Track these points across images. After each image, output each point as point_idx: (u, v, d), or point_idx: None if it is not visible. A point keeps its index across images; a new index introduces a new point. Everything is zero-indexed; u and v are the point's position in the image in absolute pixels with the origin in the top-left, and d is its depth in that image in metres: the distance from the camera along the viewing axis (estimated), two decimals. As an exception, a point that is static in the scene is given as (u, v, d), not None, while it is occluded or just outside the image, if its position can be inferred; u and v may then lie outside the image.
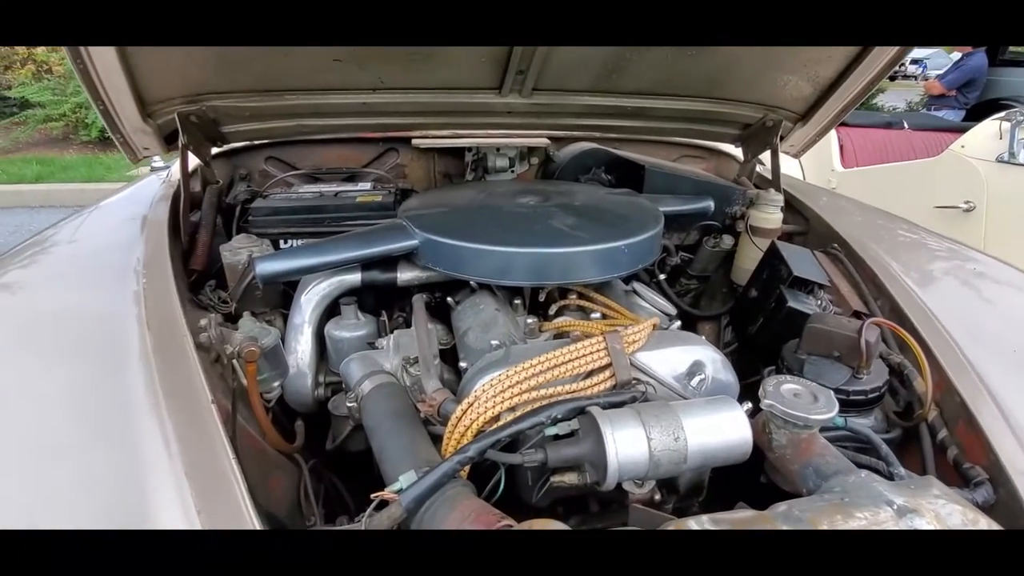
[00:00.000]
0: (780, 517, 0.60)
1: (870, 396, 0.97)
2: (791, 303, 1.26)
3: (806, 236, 1.77)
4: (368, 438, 0.89)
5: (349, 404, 0.96)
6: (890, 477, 0.77)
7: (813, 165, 4.09)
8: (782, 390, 0.78)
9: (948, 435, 0.91)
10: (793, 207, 1.83)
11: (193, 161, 1.58)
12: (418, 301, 1.21)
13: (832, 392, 0.79)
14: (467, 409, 0.77)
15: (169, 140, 1.55)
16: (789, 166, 4.07)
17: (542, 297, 1.36)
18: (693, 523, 0.59)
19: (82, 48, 1.14)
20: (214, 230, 1.55)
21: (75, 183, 6.70)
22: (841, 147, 3.95)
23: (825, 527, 0.59)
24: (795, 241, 1.77)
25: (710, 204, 1.72)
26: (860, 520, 0.59)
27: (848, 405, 0.98)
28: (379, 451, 0.82)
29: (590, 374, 0.85)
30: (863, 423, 0.99)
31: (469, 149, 2.03)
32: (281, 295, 1.42)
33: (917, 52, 10.53)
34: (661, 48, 1.52)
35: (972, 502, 0.78)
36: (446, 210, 1.38)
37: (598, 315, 1.20)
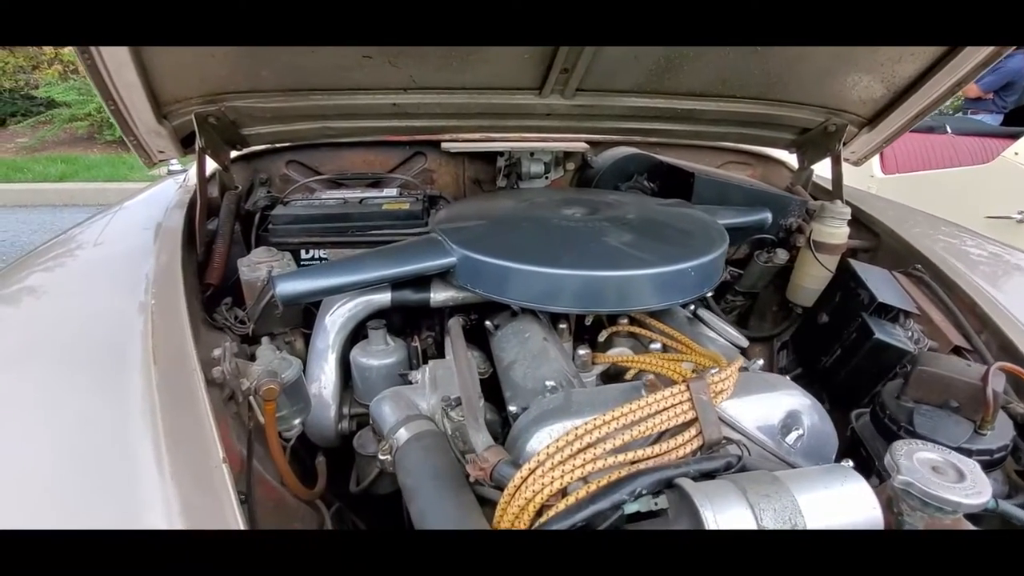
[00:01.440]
0: None
1: (996, 457, 0.82)
2: (879, 335, 1.11)
3: (875, 253, 1.61)
4: (404, 497, 0.76)
5: (382, 456, 0.82)
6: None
7: (851, 171, 3.89)
8: (917, 460, 0.64)
9: None
10: (858, 220, 1.67)
11: (211, 165, 1.47)
12: (455, 326, 1.08)
13: (977, 465, 0.64)
14: (527, 476, 0.64)
15: (186, 143, 1.45)
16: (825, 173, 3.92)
17: (588, 320, 1.22)
18: None
19: (96, 54, 1.04)
20: (231, 240, 1.43)
21: (98, 182, 6.73)
22: (881, 152, 3.74)
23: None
24: (862, 259, 1.61)
25: (768, 216, 1.57)
26: None
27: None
28: (419, 518, 0.69)
29: (668, 431, 0.71)
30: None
31: (501, 154, 1.91)
32: (302, 314, 1.30)
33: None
34: (721, 47, 1.37)
35: None
36: (485, 223, 1.25)
37: (658, 346, 1.06)
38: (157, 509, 0.61)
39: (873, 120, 1.64)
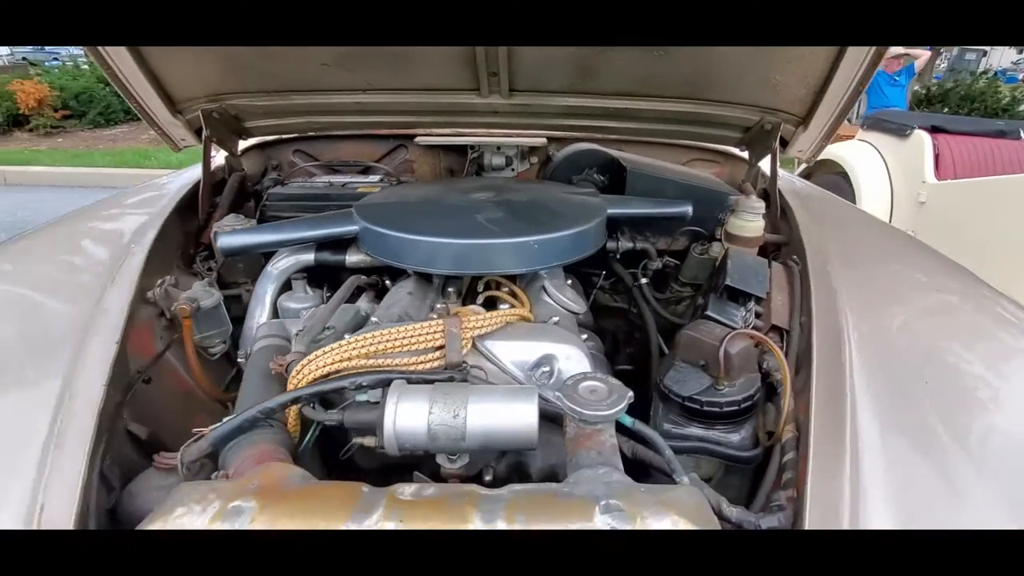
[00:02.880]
0: (484, 499, 0.64)
1: (725, 409, 0.93)
2: (708, 311, 1.22)
3: (790, 247, 1.65)
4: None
5: (239, 360, 1.11)
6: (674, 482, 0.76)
7: (902, 175, 3.66)
8: (580, 387, 0.80)
9: (792, 458, 0.85)
10: (785, 215, 1.72)
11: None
12: (351, 281, 1.34)
13: (630, 393, 0.79)
14: (300, 369, 0.88)
15: (201, 133, 1.84)
16: (874, 175, 3.70)
17: (481, 287, 1.44)
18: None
19: (105, 55, 1.41)
20: (228, 210, 1.80)
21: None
22: (936, 156, 3.48)
23: (520, 514, 0.61)
24: (780, 253, 1.66)
25: (688, 209, 1.67)
26: (555, 511, 0.62)
27: (705, 416, 0.96)
28: (240, 397, 0.97)
29: (422, 351, 0.92)
30: (728, 438, 0.96)
31: (472, 147, 2.14)
32: (261, 269, 1.63)
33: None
34: (628, 49, 1.51)
35: (754, 525, 0.75)
36: (392, 202, 1.50)
37: (507, 305, 1.26)
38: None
39: (806, 119, 1.68)
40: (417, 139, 2.10)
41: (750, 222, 1.62)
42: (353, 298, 1.36)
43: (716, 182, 1.95)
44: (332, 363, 0.88)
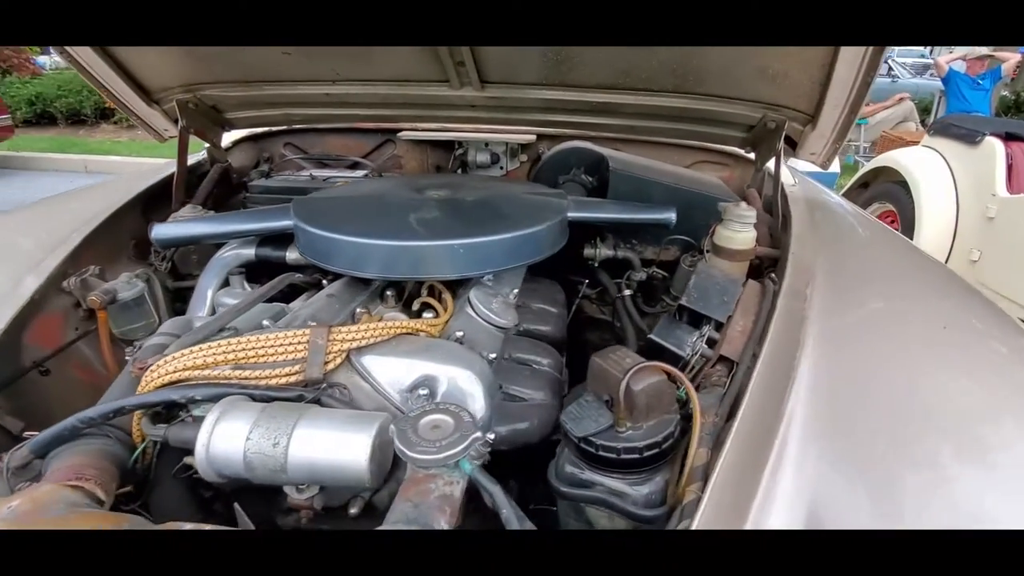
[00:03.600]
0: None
1: (623, 456, 0.77)
2: (654, 333, 1.06)
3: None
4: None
5: (128, 357, 1.06)
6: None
7: (970, 186, 3.22)
8: (421, 421, 0.67)
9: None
10: (788, 228, 1.50)
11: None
12: (280, 279, 1.27)
13: (476, 434, 0.66)
14: (149, 375, 0.81)
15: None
16: (937, 186, 3.28)
17: (424, 292, 1.33)
18: None
19: (68, 50, 1.42)
20: (204, 200, 1.79)
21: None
22: (1010, 166, 3.02)
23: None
24: (775, 268, 1.45)
25: (670, 216, 1.50)
26: None
27: (600, 462, 0.80)
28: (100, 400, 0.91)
29: (280, 363, 0.83)
30: (631, 491, 0.81)
31: (458, 144, 2.04)
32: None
33: None
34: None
35: None
36: (337, 198, 1.42)
37: (431, 314, 1.14)
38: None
39: (814, 115, 1.45)
40: (400, 134, 2.03)
41: (738, 232, 1.42)
42: (289, 298, 1.29)
43: (717, 187, 1.75)
44: (180, 370, 0.80)
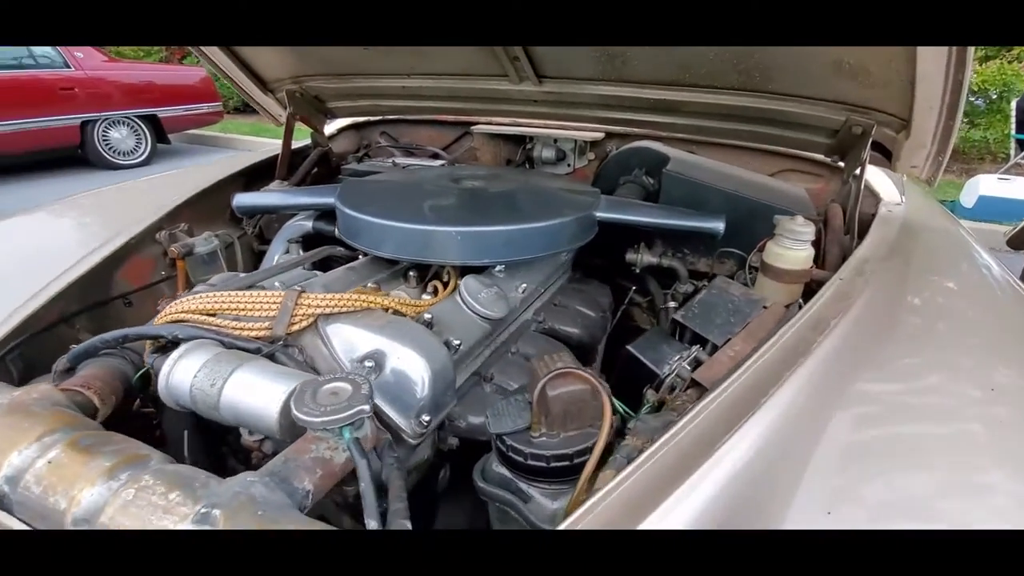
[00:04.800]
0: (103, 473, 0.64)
1: (530, 462, 0.74)
2: (632, 345, 0.99)
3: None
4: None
5: None
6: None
7: None
8: (324, 387, 0.71)
9: None
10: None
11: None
12: (319, 250, 1.41)
13: (364, 407, 0.68)
14: (162, 313, 0.97)
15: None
16: None
17: (446, 276, 1.39)
18: None
19: (205, 50, 1.71)
20: (303, 179, 2.05)
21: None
22: None
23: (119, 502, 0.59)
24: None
25: (718, 226, 1.36)
26: (151, 509, 0.58)
27: (510, 464, 0.78)
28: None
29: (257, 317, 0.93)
30: (539, 504, 0.78)
31: (528, 139, 2.06)
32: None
33: None
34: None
35: None
36: (380, 182, 1.53)
37: (428, 295, 1.20)
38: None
39: (908, 120, 1.22)
40: (473, 128, 2.10)
41: (789, 250, 1.25)
42: (324, 267, 1.43)
43: (794, 198, 1.55)
44: (182, 312, 0.95)
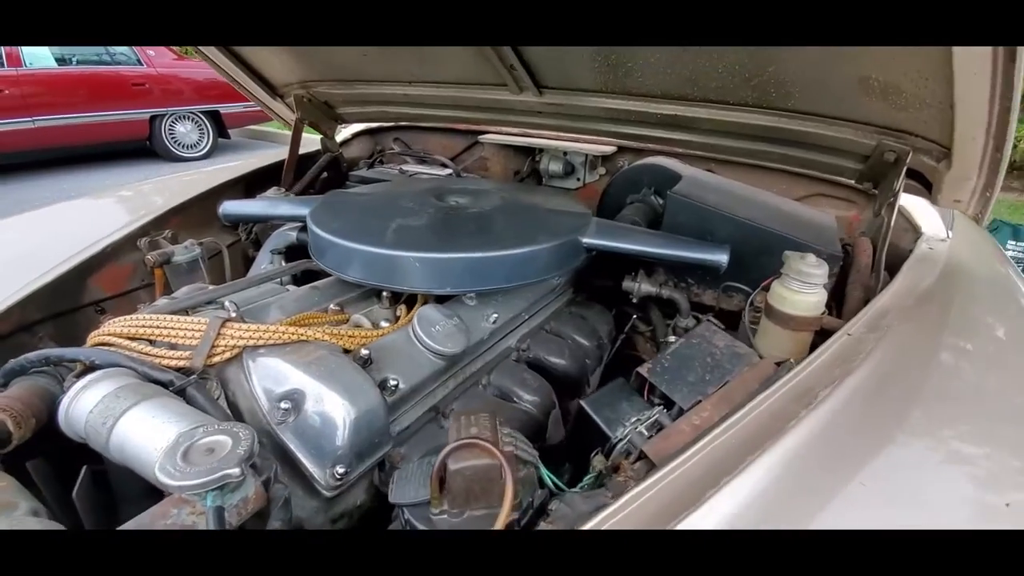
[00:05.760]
0: None
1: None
2: (585, 399, 0.88)
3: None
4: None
5: None
6: None
7: None
8: (200, 441, 0.64)
9: None
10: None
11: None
12: (294, 264, 1.36)
13: (234, 471, 0.60)
14: (93, 334, 0.94)
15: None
16: None
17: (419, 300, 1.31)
18: None
19: (204, 50, 1.71)
20: (310, 184, 2.03)
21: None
22: None
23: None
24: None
25: (721, 258, 1.21)
26: None
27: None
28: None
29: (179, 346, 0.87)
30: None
31: (537, 151, 1.95)
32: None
33: None
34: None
35: None
36: (357, 196, 1.46)
37: (385, 324, 1.12)
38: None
39: (950, 148, 1.02)
40: (481, 137, 2.01)
41: (795, 293, 1.09)
42: (300, 282, 1.38)
43: (819, 228, 1.36)
44: (110, 335, 0.91)
